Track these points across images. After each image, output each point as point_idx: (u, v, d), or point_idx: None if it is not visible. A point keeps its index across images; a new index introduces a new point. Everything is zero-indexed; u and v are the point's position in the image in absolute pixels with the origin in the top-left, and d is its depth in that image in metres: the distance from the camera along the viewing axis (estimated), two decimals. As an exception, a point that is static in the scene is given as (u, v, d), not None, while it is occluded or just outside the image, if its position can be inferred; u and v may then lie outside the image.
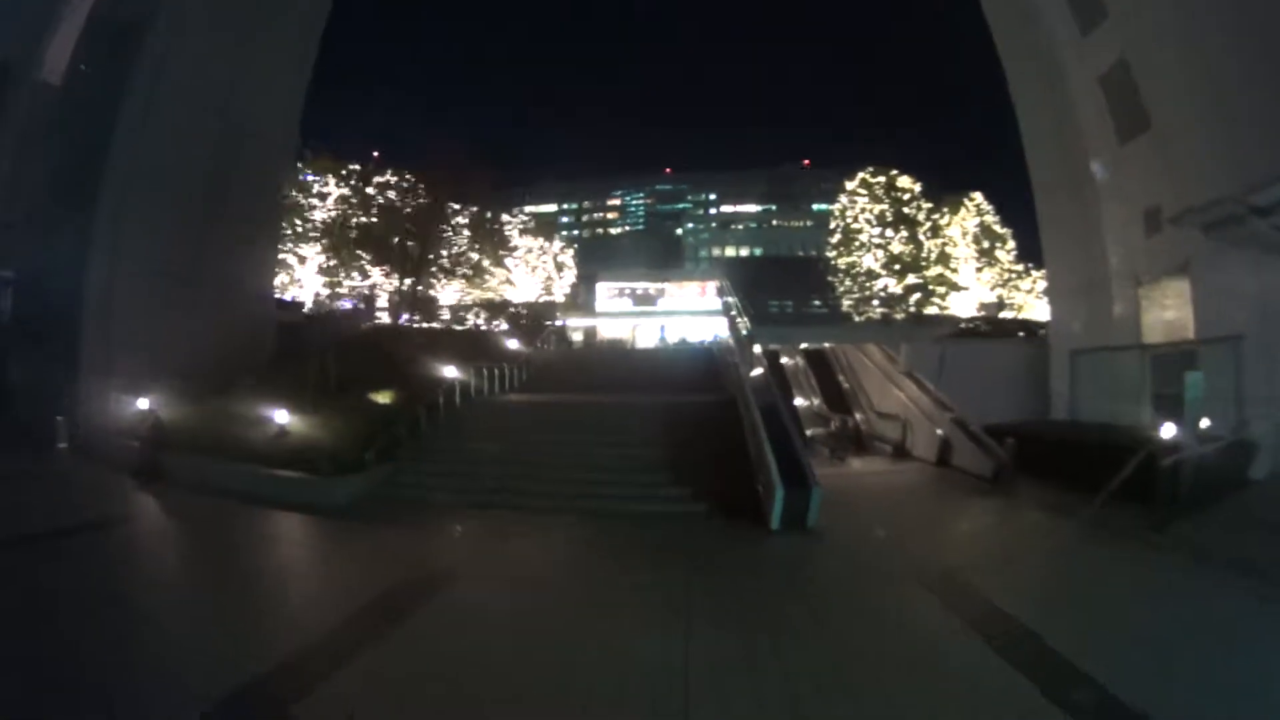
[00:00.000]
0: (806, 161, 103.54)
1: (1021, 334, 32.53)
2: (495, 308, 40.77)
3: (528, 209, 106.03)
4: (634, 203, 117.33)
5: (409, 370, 22.89)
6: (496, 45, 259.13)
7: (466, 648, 6.88)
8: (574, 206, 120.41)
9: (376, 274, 34.76)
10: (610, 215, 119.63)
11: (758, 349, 20.40)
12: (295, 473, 15.80)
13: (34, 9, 31.61)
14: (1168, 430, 11.47)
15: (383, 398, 20.67)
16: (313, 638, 7.06)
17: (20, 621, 7.58)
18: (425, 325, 35.75)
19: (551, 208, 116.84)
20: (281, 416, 18.05)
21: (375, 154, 33.46)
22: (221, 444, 18.02)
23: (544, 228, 47.67)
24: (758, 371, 18.05)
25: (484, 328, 38.20)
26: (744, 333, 21.86)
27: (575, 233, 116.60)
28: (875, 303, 37.26)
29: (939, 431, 18.34)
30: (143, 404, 20.19)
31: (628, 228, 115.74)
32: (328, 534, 12.87)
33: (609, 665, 6.42)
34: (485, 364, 24.63)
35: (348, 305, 39.15)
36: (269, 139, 26.89)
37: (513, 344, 30.42)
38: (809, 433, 21.91)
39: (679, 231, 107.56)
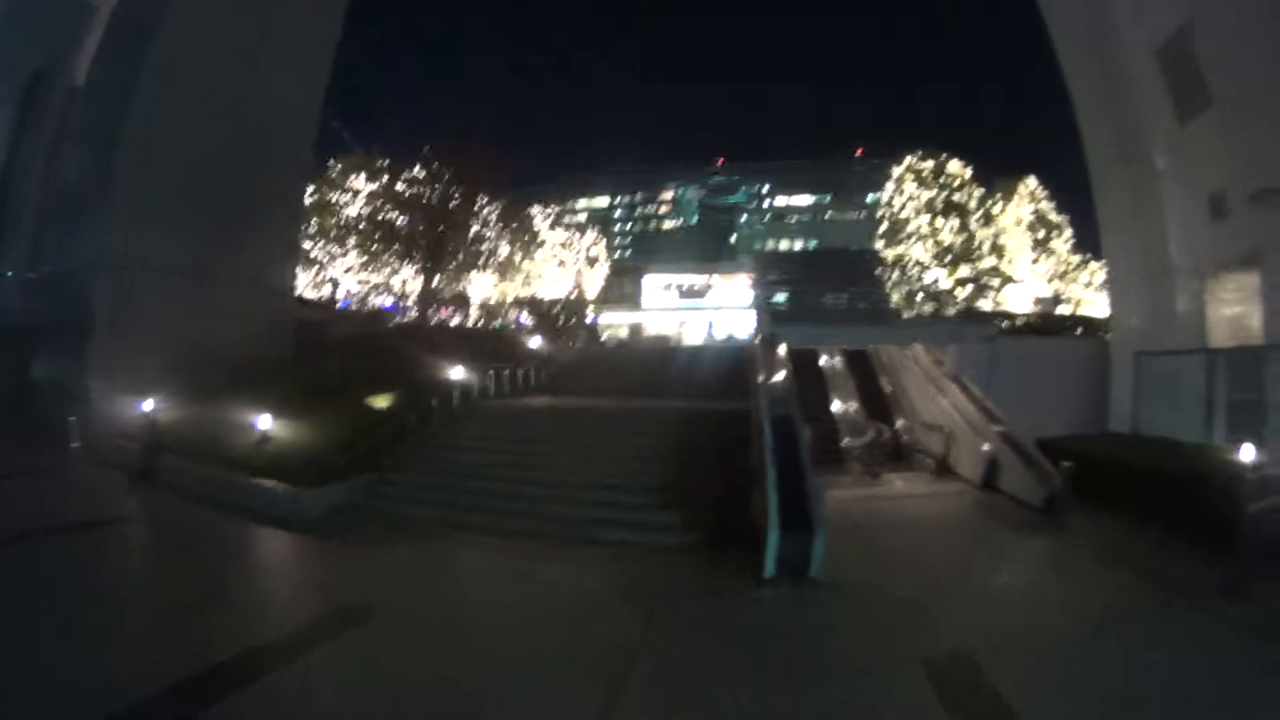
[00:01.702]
0: (860, 151, 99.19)
1: (1080, 330, 30.05)
2: (525, 304, 39.64)
3: (581, 202, 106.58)
4: (687, 195, 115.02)
5: (419, 371, 21.67)
6: (542, 36, 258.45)
7: (330, 707, 6.24)
8: (627, 199, 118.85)
9: (408, 270, 33.90)
10: (663, 208, 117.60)
11: (783, 350, 18.34)
12: (270, 482, 14.85)
13: (65, 18, 32.34)
14: (1247, 453, 9.16)
15: (381, 401, 19.50)
16: (173, 678, 6.50)
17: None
18: (451, 323, 34.95)
19: (605, 201, 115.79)
20: (264, 422, 17.04)
21: (426, 147, 32.21)
22: (210, 448, 17.27)
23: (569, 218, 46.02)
24: (778, 377, 16.02)
25: (513, 325, 37.16)
26: (765, 332, 19.69)
27: (628, 226, 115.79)
28: (920, 296, 34.25)
29: (985, 447, 15.95)
30: (147, 405, 19.78)
31: (680, 221, 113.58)
32: (272, 553, 12.18)
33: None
34: (502, 364, 23.32)
35: (387, 302, 38.69)
36: (286, 133, 26.10)
37: (535, 343, 29.00)
38: (844, 442, 19.69)
39: (732, 224, 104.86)
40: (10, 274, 32.28)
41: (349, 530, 12.95)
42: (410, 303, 33.89)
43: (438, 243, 30.14)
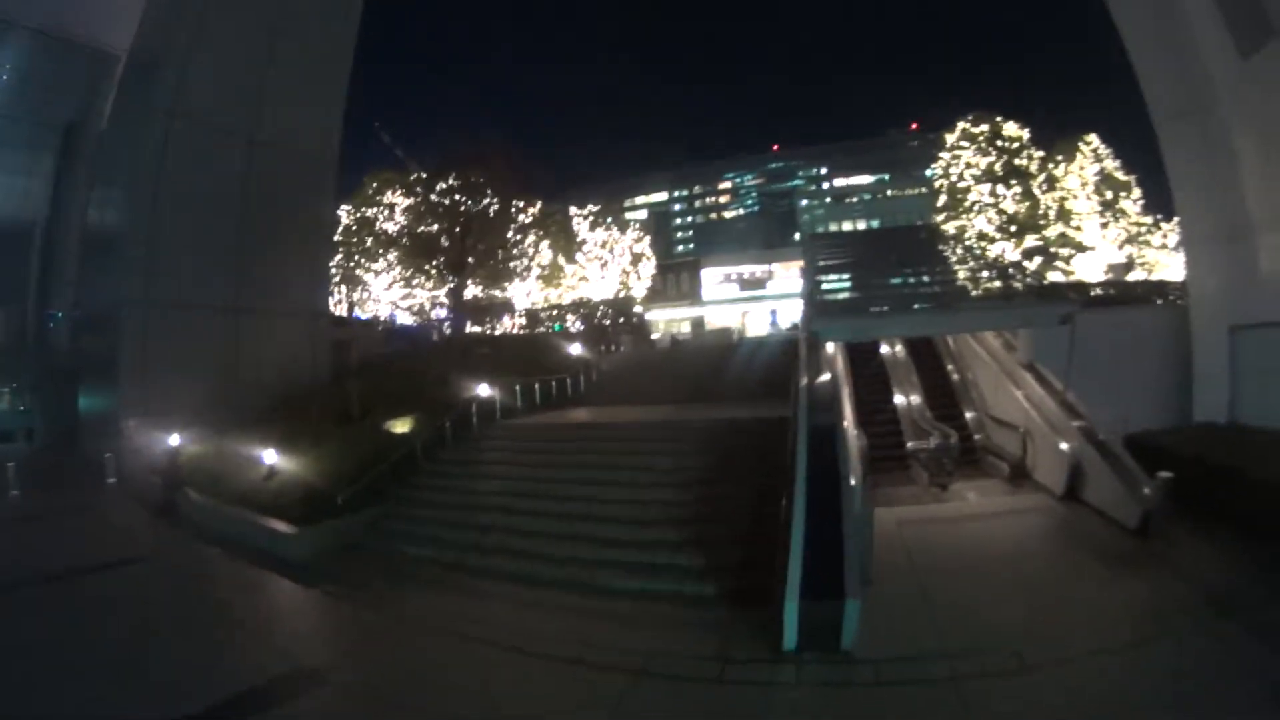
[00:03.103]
0: (914, 125, 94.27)
1: (1159, 300, 26.66)
2: (569, 308, 38.23)
3: (638, 199, 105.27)
4: (746, 184, 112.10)
5: (446, 389, 20.45)
6: (589, 36, 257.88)
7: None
8: (685, 193, 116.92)
9: (446, 283, 33.00)
10: (722, 199, 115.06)
11: (830, 347, 16.10)
12: (271, 520, 14.14)
13: (90, 69, 33.11)
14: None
15: (401, 425, 18.38)
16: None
17: None
18: (491, 333, 33.92)
19: (663, 196, 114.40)
20: (270, 456, 16.11)
21: (457, 153, 31.09)
22: (225, 483, 16.68)
23: (612, 215, 44.16)
24: (822, 379, 13.85)
25: (557, 329, 35.83)
26: (807, 325, 17.34)
27: (687, 219, 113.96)
28: (987, 273, 30.69)
29: (1066, 449, 13.37)
30: (172, 440, 19.48)
31: (741, 211, 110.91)
32: (252, 602, 11.35)
33: None
34: (536, 376, 21.94)
35: (430, 316, 38.15)
36: (306, 154, 25.38)
37: (574, 350, 27.49)
38: (909, 446, 17.25)
39: (792, 210, 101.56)
40: (60, 315, 33.41)
41: (342, 574, 12.10)
42: (446, 314, 32.93)
43: (473, 252, 28.99)
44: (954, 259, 31.03)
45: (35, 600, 11.26)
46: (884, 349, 22.11)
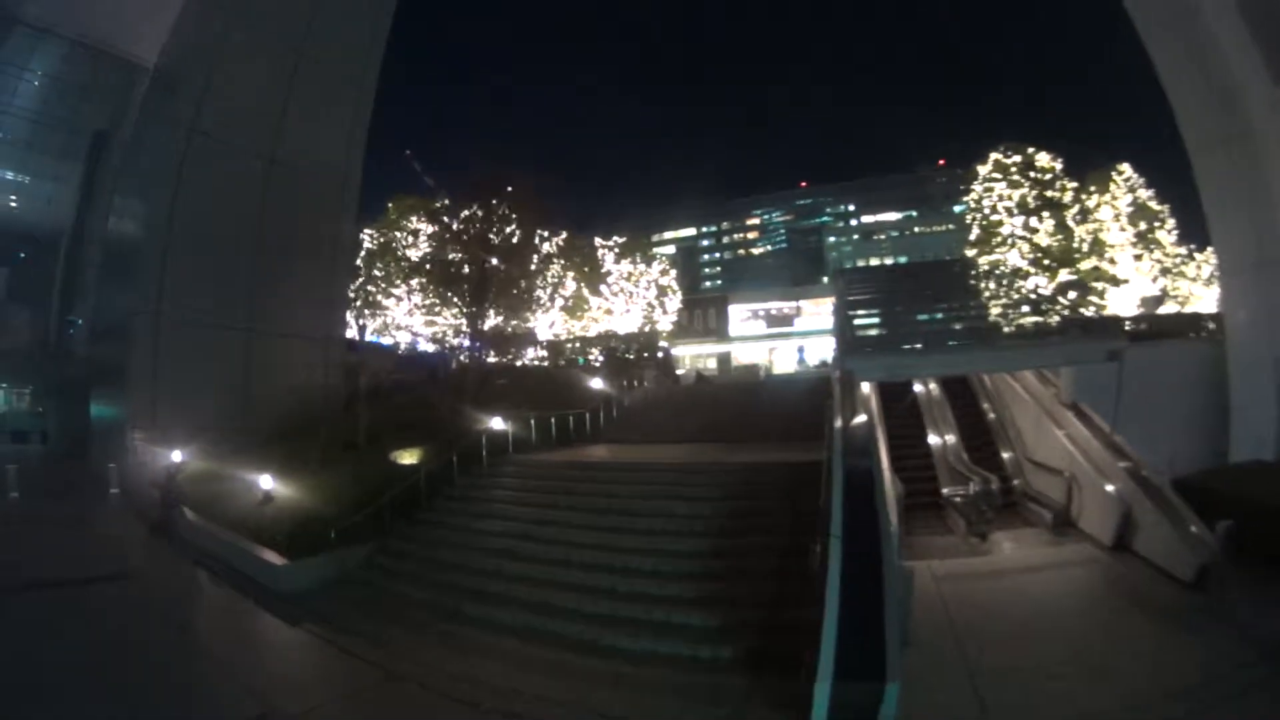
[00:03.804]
0: (942, 161, 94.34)
1: (1192, 335, 25.63)
2: (592, 341, 37.42)
3: (668, 235, 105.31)
4: (774, 220, 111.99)
5: (459, 420, 19.65)
6: (615, 74, 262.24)
7: None
8: (713, 229, 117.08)
9: (467, 311, 32.43)
10: (750, 235, 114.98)
11: (866, 387, 15.03)
12: (261, 549, 13.40)
13: (120, 78, 33.61)
14: None
15: (408, 456, 17.59)
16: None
17: None
18: (511, 363, 33.16)
19: (690, 231, 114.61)
20: (266, 481, 15.38)
21: (479, 181, 30.76)
22: (222, 505, 16.11)
23: (638, 248, 43.41)
24: (857, 420, 12.80)
25: (581, 362, 35.01)
26: (841, 363, 16.24)
27: (715, 255, 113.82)
28: (1025, 308, 29.34)
29: (1114, 495, 12.24)
30: (175, 456, 18.92)
31: (769, 247, 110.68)
32: (231, 635, 10.81)
33: None
34: (556, 410, 21.07)
35: (452, 344, 37.54)
36: (326, 175, 25.10)
37: (596, 384, 26.61)
38: (944, 492, 16.04)
39: (820, 246, 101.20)
40: (80, 321, 33.39)
41: (329, 612, 11.27)
42: (463, 343, 32.20)
43: (494, 281, 28.41)
44: (988, 294, 29.78)
45: (36, 607, 10.94)
46: (917, 386, 21.01)
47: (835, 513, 8.52)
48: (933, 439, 18.55)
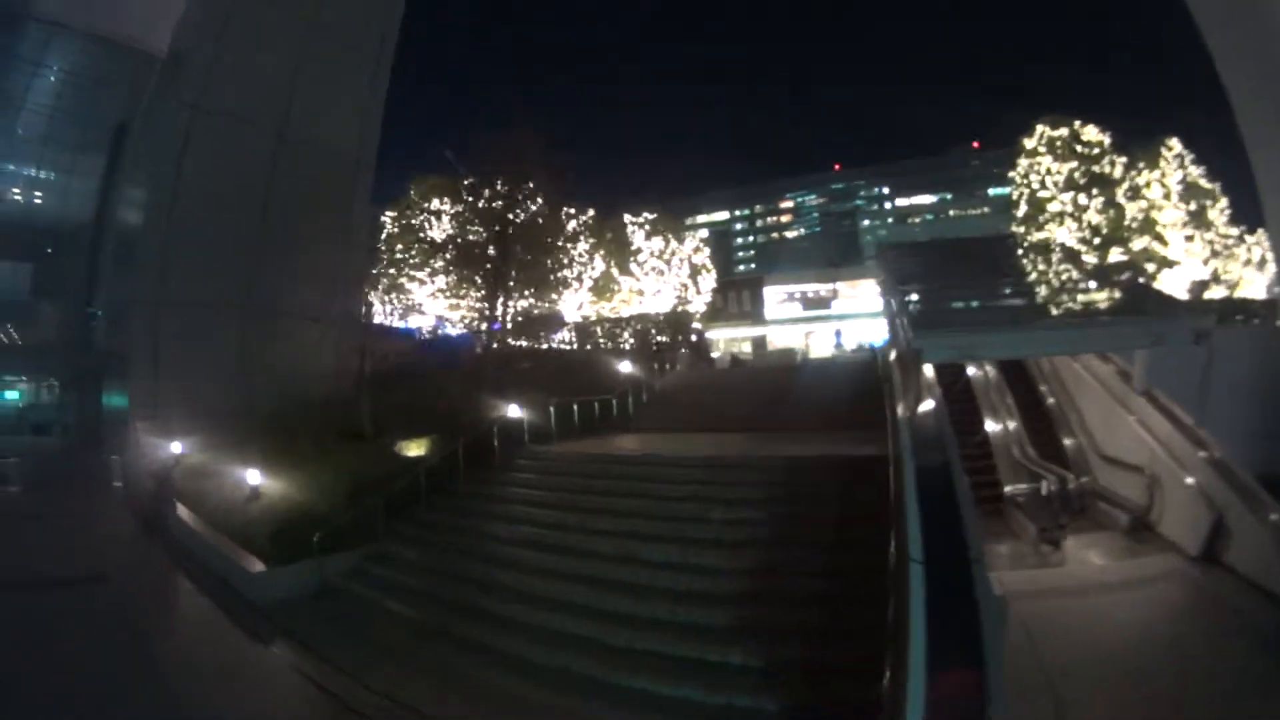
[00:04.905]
0: (977, 144, 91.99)
1: (1240, 318, 24.26)
2: (622, 323, 35.45)
3: (701, 219, 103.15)
4: (807, 203, 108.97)
5: (476, 407, 18.03)
6: (644, 55, 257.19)
7: None
8: (747, 212, 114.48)
9: (493, 292, 30.87)
10: (784, 219, 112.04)
11: (929, 371, 12.89)
12: (243, 553, 12.06)
13: (136, 69, 32.81)
14: None
15: (415, 447, 16.03)
16: None
17: None
18: (536, 346, 31.52)
19: (724, 215, 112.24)
20: (253, 476, 13.93)
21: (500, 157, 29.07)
22: (212, 502, 14.88)
23: (670, 225, 41.19)
24: (925, 407, 10.73)
25: (609, 345, 33.11)
26: (901, 347, 14.03)
27: (749, 239, 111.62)
28: (1092, 284, 26.88)
29: (1202, 494, 10.36)
30: (173, 447, 18.07)
31: (803, 230, 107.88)
32: (194, 654, 9.50)
33: None
34: (581, 396, 19.33)
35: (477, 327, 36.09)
36: (338, 154, 23.64)
37: (625, 367, 24.79)
38: (1007, 490, 13.96)
39: (855, 228, 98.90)
40: (100, 313, 32.77)
41: (306, 627, 9.92)
42: (486, 326, 30.61)
43: (518, 260, 26.79)
44: (1042, 271, 27.38)
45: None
46: (970, 369, 18.88)
47: (912, 527, 6.53)
48: (991, 426, 16.46)
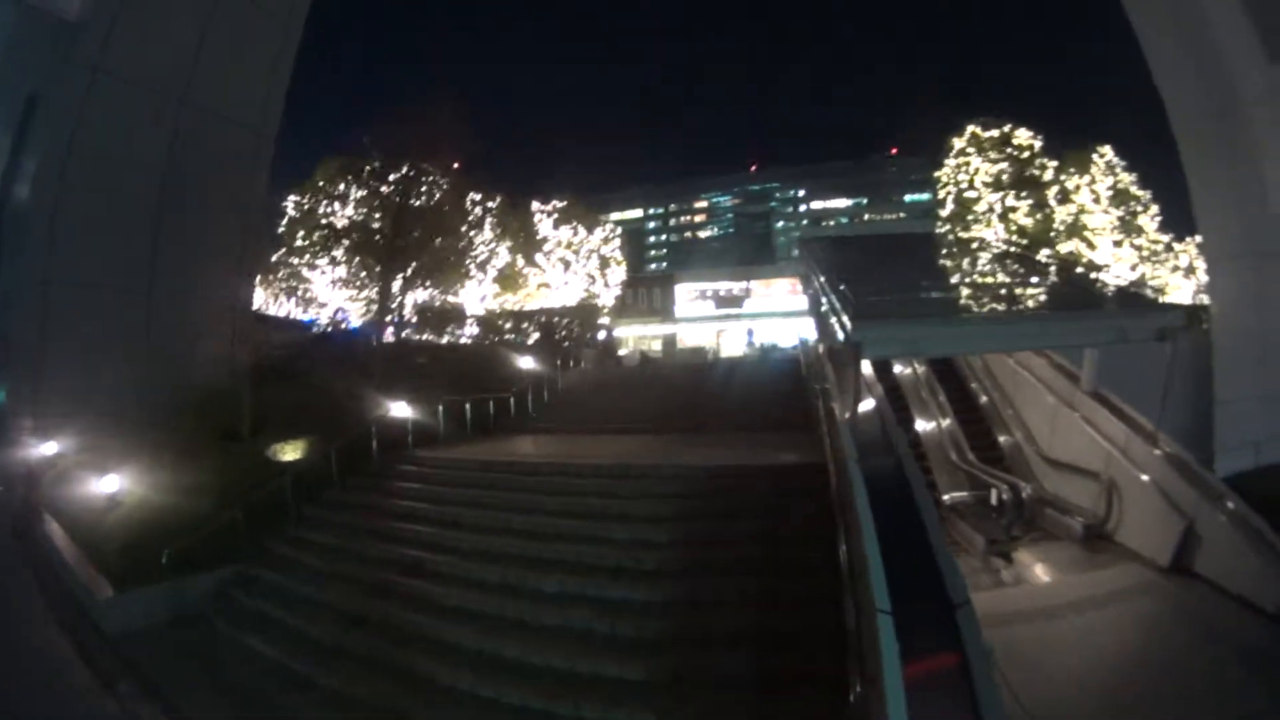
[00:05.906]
0: (894, 150, 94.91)
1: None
2: (527, 316, 34.40)
3: (614, 216, 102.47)
4: (722, 203, 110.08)
5: (362, 405, 16.81)
6: (566, 49, 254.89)
7: None
8: (660, 211, 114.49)
9: (395, 284, 29.19)
10: (698, 218, 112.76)
11: (867, 368, 12.23)
12: (94, 571, 10.59)
13: (48, 37, 29.19)
14: None
15: (290, 450, 14.72)
16: None
17: None
18: (436, 340, 30.16)
19: (638, 213, 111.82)
20: (110, 483, 12.38)
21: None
22: (75, 510, 13.11)
23: (579, 216, 40.25)
24: (866, 407, 10.30)
25: (514, 339, 32.03)
26: (835, 341, 13.24)
27: (662, 237, 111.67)
28: (1035, 280, 27.99)
29: (1169, 501, 10.49)
30: (47, 449, 16.26)
31: (717, 230, 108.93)
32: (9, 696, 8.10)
33: None
34: (478, 393, 18.42)
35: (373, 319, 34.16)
36: (240, 126, 21.77)
37: (527, 363, 23.92)
38: (945, 498, 13.84)
39: (769, 230, 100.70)
40: None
41: (154, 666, 8.55)
42: (380, 317, 28.99)
43: (412, 247, 25.33)
44: (959, 272, 28.26)
45: None
46: (898, 367, 19.10)
47: (872, 563, 5.26)
48: (922, 426, 16.55)
